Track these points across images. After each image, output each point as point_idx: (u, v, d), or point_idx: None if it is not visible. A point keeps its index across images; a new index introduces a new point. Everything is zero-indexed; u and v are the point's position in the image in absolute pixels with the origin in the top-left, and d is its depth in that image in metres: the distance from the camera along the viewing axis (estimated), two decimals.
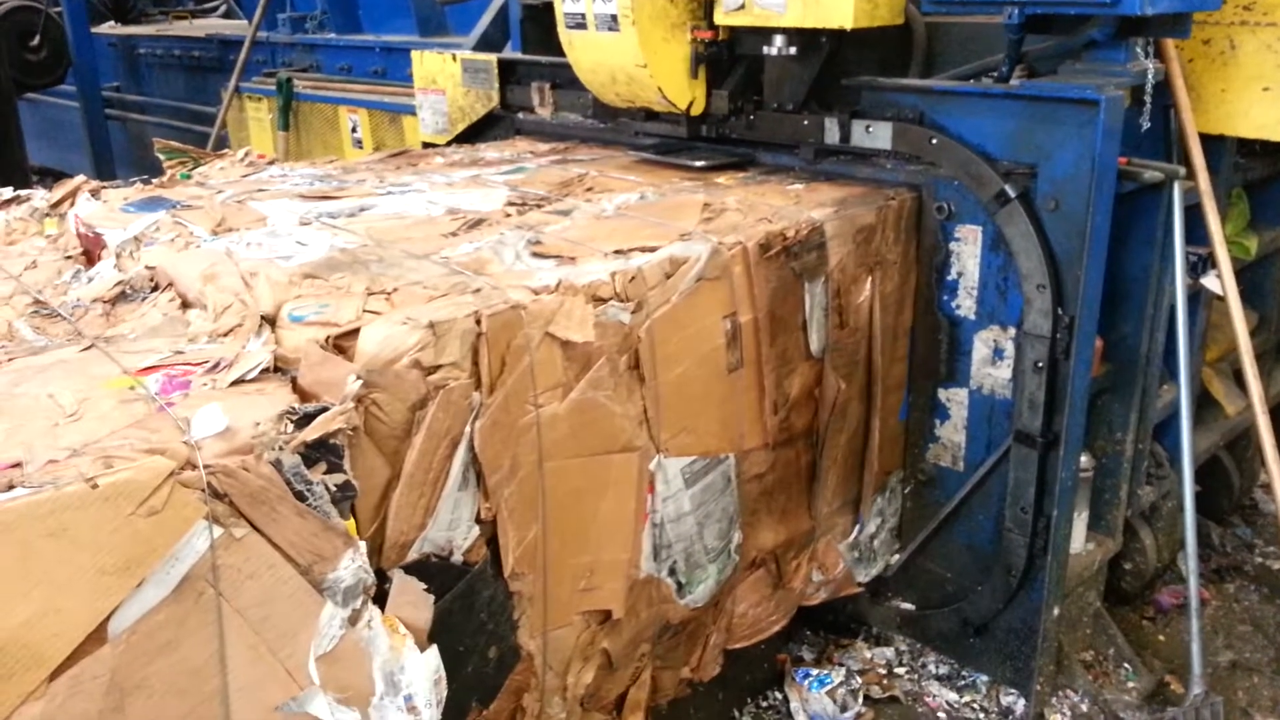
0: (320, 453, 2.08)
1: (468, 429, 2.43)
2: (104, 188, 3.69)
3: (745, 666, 3.90)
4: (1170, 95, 3.69)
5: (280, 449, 2.01)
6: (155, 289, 2.76)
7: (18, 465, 1.83)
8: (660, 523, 3.07)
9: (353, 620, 2.15)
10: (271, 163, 4.26)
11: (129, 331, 2.53)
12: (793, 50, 3.79)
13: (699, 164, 4.13)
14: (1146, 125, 3.57)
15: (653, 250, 2.95)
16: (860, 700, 3.92)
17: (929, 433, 3.90)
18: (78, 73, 9.25)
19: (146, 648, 1.88)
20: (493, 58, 5.05)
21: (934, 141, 3.61)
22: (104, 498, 1.79)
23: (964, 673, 4.04)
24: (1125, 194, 3.58)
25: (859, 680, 3.99)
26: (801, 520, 3.65)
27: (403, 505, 2.34)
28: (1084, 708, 3.89)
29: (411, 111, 5.72)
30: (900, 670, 4.10)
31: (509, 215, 3.39)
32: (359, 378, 2.19)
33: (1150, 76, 3.51)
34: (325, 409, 2.10)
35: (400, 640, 2.25)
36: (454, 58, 5.20)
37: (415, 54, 5.44)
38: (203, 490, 1.90)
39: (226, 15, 10.33)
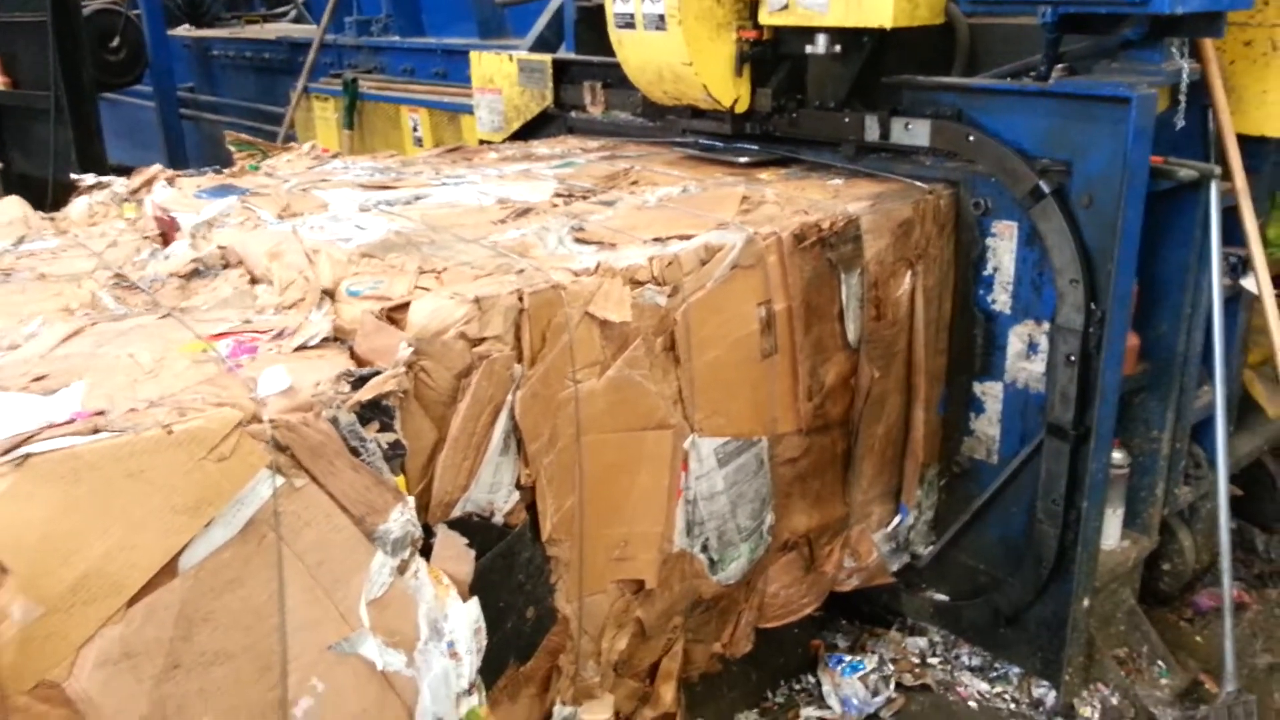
0: (374, 413, 2.26)
1: (509, 398, 2.59)
2: (178, 176, 3.91)
3: (780, 649, 4.00)
4: (1208, 95, 3.75)
5: (338, 407, 2.19)
6: (226, 266, 2.96)
7: (101, 413, 2.01)
8: (693, 499, 3.20)
9: (401, 570, 2.32)
10: (335, 156, 4.46)
11: (202, 303, 2.73)
12: (835, 49, 3.87)
13: (743, 160, 4.25)
14: (1181, 124, 3.63)
15: (689, 238, 3.09)
16: (891, 686, 4.00)
17: (964, 426, 3.98)
18: (154, 73, 9.55)
19: (213, 583, 2.06)
20: (547, 58, 5.21)
21: (971, 139, 3.70)
22: (178, 443, 1.98)
23: (997, 664, 4.11)
24: (1162, 193, 3.65)
25: (891, 667, 4.08)
26: (835, 506, 3.76)
27: (448, 466, 2.50)
28: (1114, 701, 3.92)
29: (469, 111, 5.90)
30: (934, 660, 4.18)
31: (556, 205, 3.55)
32: (410, 345, 2.36)
33: (1185, 76, 3.57)
34: (379, 373, 2.28)
35: (444, 591, 2.41)
36: (510, 58, 5.37)
37: (474, 55, 5.61)
38: (267, 442, 2.07)
39: (297, 20, 10.56)
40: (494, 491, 2.64)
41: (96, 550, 1.91)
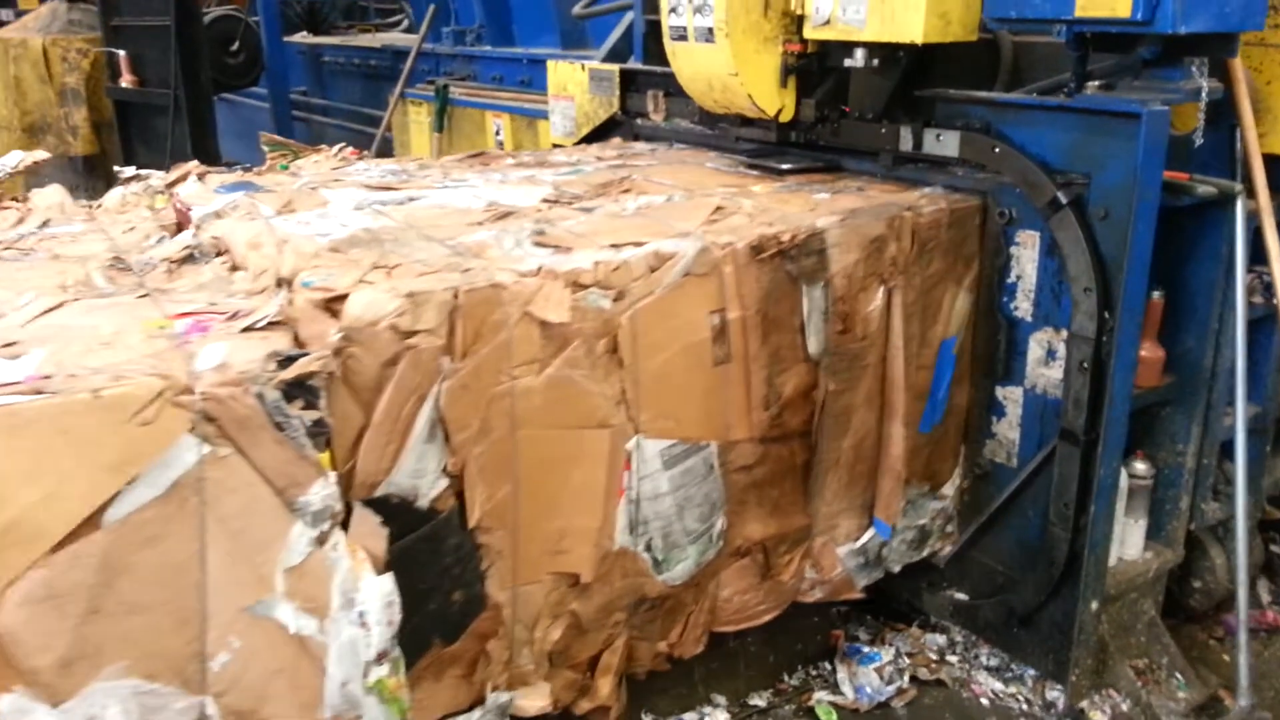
0: (299, 391, 2.32)
1: (435, 389, 2.61)
2: (209, 173, 4.02)
3: (799, 636, 3.99)
4: (1236, 115, 3.64)
5: (264, 384, 2.26)
6: (218, 254, 3.05)
7: (48, 377, 2.13)
8: (636, 499, 3.14)
9: (320, 541, 2.38)
10: (361, 158, 4.50)
11: (183, 286, 2.84)
12: (873, 63, 3.86)
13: (785, 167, 4.22)
14: (1200, 142, 3.54)
15: (643, 244, 3.05)
16: (906, 678, 3.95)
17: (986, 429, 3.92)
18: (269, 77, 9.71)
19: (135, 538, 2.15)
20: (615, 68, 5.27)
21: (996, 150, 3.65)
22: (104, 406, 2.08)
23: (1013, 666, 4.02)
24: (1189, 209, 3.60)
25: (907, 661, 4.03)
26: (795, 516, 3.63)
27: (370, 449, 2.54)
28: (1125, 708, 3.81)
29: (546, 116, 5.96)
30: (952, 658, 4.11)
31: (540, 210, 3.53)
32: (338, 332, 2.43)
33: (1204, 95, 3.47)
34: (307, 354, 2.35)
35: (360, 564, 2.46)
36: (583, 67, 5.43)
37: (550, 64, 5.70)
38: (196, 413, 2.16)
39: (408, 30, 10.73)
40: (418, 477, 2.65)
41: (28, 499, 2.02)
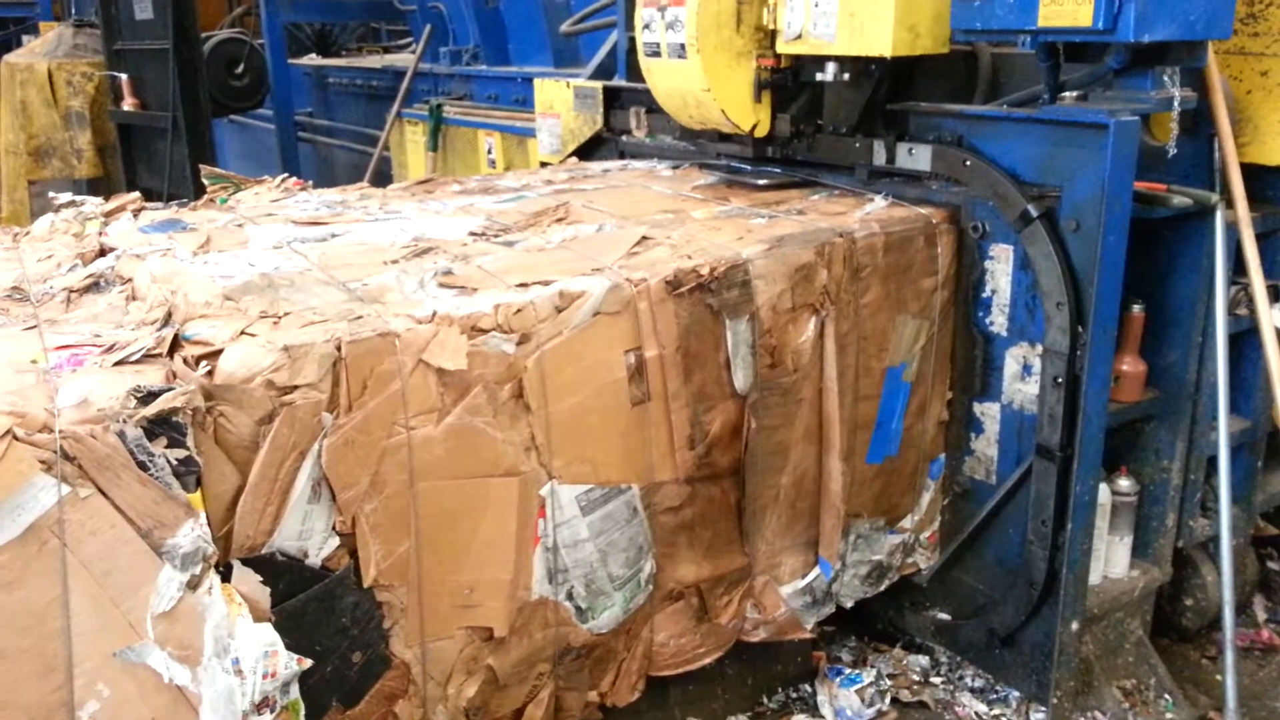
0: (163, 429, 2.19)
1: (316, 445, 2.45)
2: (145, 208, 3.86)
3: (779, 658, 3.85)
4: (1214, 124, 3.52)
5: (124, 421, 2.13)
6: (121, 284, 2.91)
7: None
8: (554, 547, 2.97)
9: (193, 585, 2.24)
10: (303, 189, 4.32)
11: (76, 317, 2.71)
12: (844, 77, 3.77)
13: (762, 183, 4.13)
14: (1174, 152, 3.42)
15: (551, 284, 2.89)
16: (887, 700, 3.82)
17: (965, 446, 3.80)
18: (274, 98, 9.58)
19: None
20: (599, 85, 5.16)
21: (967, 163, 3.55)
22: None
23: (998, 687, 3.89)
24: (1168, 221, 3.50)
25: (888, 683, 3.90)
26: (732, 557, 3.42)
27: (248, 511, 2.38)
28: None
29: (535, 134, 5.87)
30: (936, 680, 3.98)
31: (464, 244, 3.35)
32: (205, 375, 2.31)
33: (1176, 104, 3.35)
34: (170, 389, 2.21)
35: (236, 609, 2.32)
36: (568, 85, 5.32)
37: (537, 82, 5.59)
38: (54, 451, 2.04)
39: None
40: (304, 539, 2.50)
41: None
